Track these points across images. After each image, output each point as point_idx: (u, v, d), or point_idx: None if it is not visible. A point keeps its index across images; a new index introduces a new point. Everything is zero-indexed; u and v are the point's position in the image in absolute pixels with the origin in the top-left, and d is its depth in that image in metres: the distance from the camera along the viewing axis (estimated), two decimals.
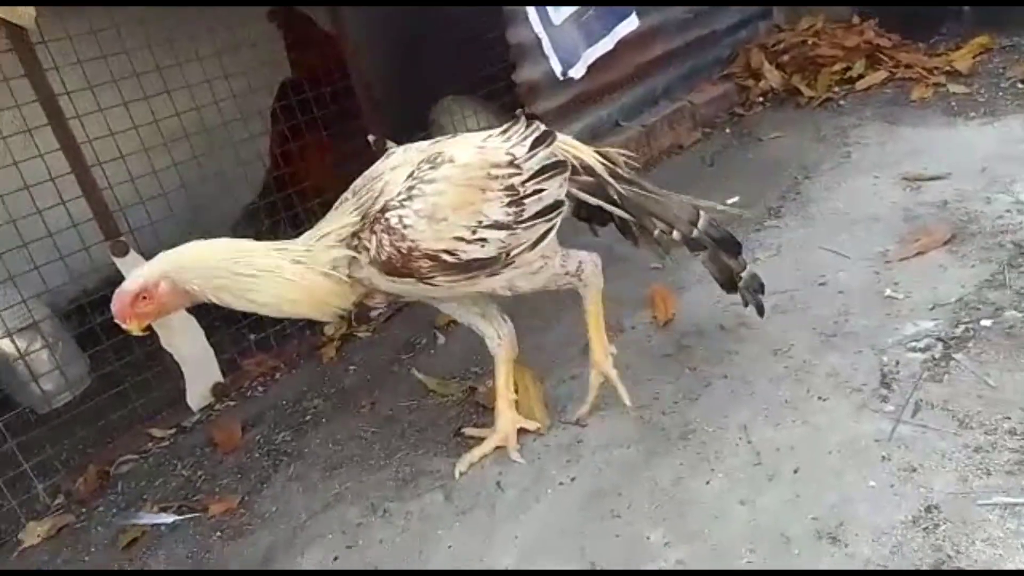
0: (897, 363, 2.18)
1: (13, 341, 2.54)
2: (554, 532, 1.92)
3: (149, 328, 1.90)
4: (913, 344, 2.24)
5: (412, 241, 1.85)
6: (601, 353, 2.26)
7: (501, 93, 4.00)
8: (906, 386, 2.09)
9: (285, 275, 1.86)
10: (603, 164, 2.15)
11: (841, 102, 4.52)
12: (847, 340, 2.33)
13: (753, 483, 1.89)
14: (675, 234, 2.16)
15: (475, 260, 1.91)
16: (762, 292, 2.29)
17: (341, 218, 1.95)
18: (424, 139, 3.80)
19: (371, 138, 3.48)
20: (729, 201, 3.57)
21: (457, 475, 2.19)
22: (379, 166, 2.04)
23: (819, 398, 2.12)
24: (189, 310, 2.74)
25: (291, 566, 2.06)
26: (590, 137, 4.30)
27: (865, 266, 2.70)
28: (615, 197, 2.12)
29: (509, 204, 1.93)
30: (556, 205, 2.03)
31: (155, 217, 2.80)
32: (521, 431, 2.26)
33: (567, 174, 2.05)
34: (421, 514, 2.09)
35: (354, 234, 1.90)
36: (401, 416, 2.57)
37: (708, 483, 1.94)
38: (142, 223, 2.77)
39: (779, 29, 5.26)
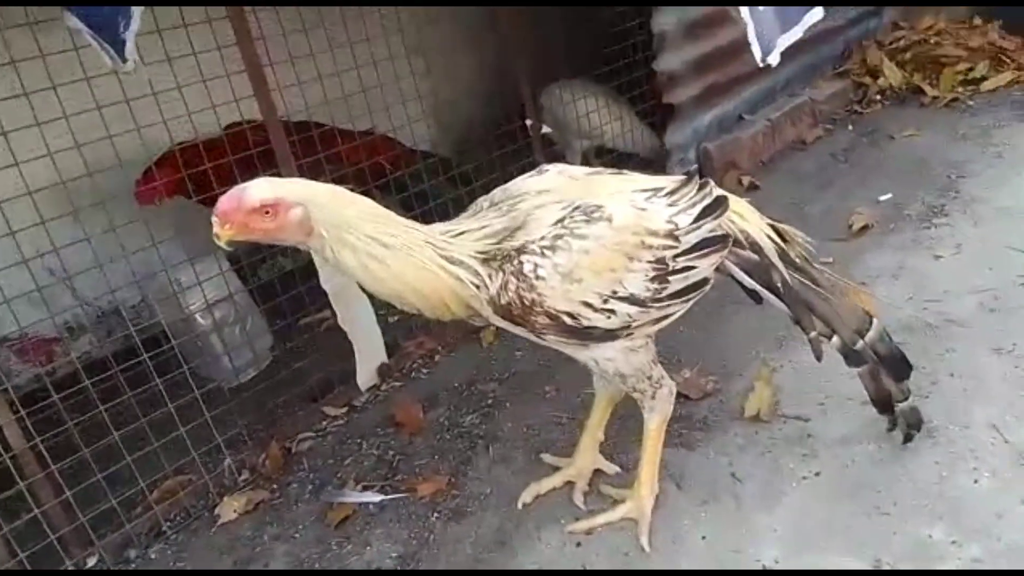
0: None
1: (211, 312, 2.52)
2: (817, 527, 1.88)
3: (233, 244, 1.62)
4: None
5: (539, 294, 1.66)
6: (648, 487, 1.99)
7: (640, 82, 3.97)
8: None
9: (416, 258, 1.64)
10: (773, 243, 1.89)
11: (969, 102, 4.45)
12: None
13: None
14: (835, 340, 1.89)
15: (595, 328, 1.72)
16: (919, 429, 1.99)
17: (480, 222, 1.76)
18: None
19: (528, 122, 3.45)
20: (882, 198, 3.53)
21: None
22: (526, 183, 1.85)
23: None
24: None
25: (529, 546, 2.03)
26: (718, 130, 4.27)
27: None
28: (778, 284, 1.87)
29: (653, 279, 1.72)
30: (701, 284, 1.80)
31: None
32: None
33: (726, 252, 1.81)
34: (658, 504, 2.04)
35: (484, 260, 1.69)
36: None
37: (976, 482, 1.89)
38: None
39: (897, 27, 5.18)
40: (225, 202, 1.57)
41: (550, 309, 1.68)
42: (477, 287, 1.69)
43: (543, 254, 1.65)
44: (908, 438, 2.00)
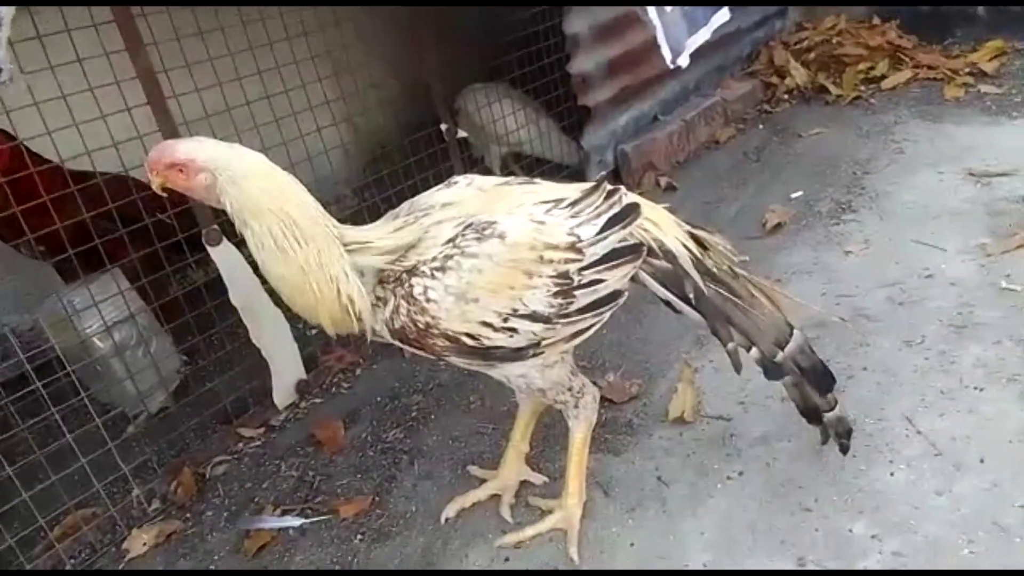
0: None
1: (111, 335, 2.36)
2: (743, 528, 1.89)
3: (166, 190, 1.66)
4: None
5: (432, 318, 1.62)
6: (575, 497, 1.95)
7: (556, 85, 3.95)
8: None
9: (310, 279, 1.60)
10: (688, 252, 1.82)
11: (871, 100, 4.61)
12: (981, 331, 2.36)
13: (941, 474, 1.90)
14: (754, 352, 1.83)
15: (497, 348, 1.68)
16: (848, 438, 1.94)
17: (383, 236, 1.69)
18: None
19: (443, 127, 3.38)
20: (793, 195, 3.61)
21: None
22: (434, 196, 1.81)
23: (975, 388, 2.14)
24: (276, 303, 2.65)
25: (457, 565, 1.97)
26: (634, 130, 4.30)
27: (968, 259, 2.74)
28: (690, 294, 1.81)
29: (556, 294, 1.65)
30: (612, 297, 1.73)
31: None
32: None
33: (639, 262, 1.74)
34: (586, 512, 2.01)
35: (381, 280, 1.67)
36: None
37: (892, 475, 1.93)
38: None
39: (801, 27, 5.33)
40: (154, 152, 1.62)
41: (447, 331, 1.63)
42: (373, 305, 1.65)
43: (433, 276, 1.61)
44: (844, 449, 1.94)
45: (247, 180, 1.59)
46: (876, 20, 5.16)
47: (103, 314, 2.34)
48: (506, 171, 4.24)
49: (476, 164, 4.22)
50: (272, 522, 2.24)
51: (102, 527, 2.33)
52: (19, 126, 2.12)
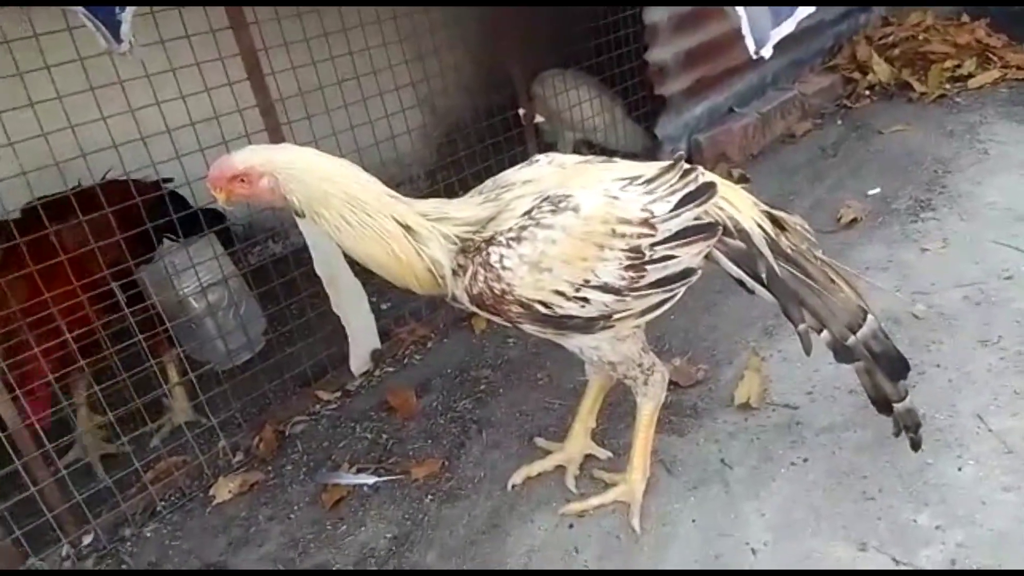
0: None
1: (205, 296, 2.52)
2: (805, 511, 1.92)
3: (231, 204, 1.76)
4: None
5: (507, 284, 1.69)
6: (640, 472, 2.02)
7: (632, 74, 3.98)
8: None
9: (390, 246, 1.69)
10: (763, 231, 1.86)
11: (957, 99, 4.50)
12: None
13: (1011, 471, 1.89)
14: (825, 334, 1.85)
15: (570, 317, 1.74)
16: (916, 431, 1.92)
17: (466, 210, 1.79)
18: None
19: (521, 111, 3.46)
20: (870, 192, 3.57)
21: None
22: (516, 173, 1.88)
23: None
24: (356, 274, 2.77)
25: (522, 528, 2.06)
26: (708, 122, 4.30)
27: None
28: (763, 274, 1.84)
29: (628, 267, 1.71)
30: (684, 274, 1.78)
31: None
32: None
33: (713, 241, 1.79)
34: (648, 488, 2.07)
35: (462, 249, 1.74)
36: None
37: (960, 470, 1.94)
38: None
39: (886, 22, 5.23)
40: (213, 169, 1.69)
41: (521, 298, 1.70)
42: (454, 272, 1.73)
43: (508, 245, 1.69)
44: (915, 445, 1.93)
45: (307, 173, 1.67)
46: (965, 18, 5.03)
47: (199, 276, 2.48)
48: None
49: (548, 150, 4.27)
50: (348, 478, 2.36)
51: (191, 474, 2.49)
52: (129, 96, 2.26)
